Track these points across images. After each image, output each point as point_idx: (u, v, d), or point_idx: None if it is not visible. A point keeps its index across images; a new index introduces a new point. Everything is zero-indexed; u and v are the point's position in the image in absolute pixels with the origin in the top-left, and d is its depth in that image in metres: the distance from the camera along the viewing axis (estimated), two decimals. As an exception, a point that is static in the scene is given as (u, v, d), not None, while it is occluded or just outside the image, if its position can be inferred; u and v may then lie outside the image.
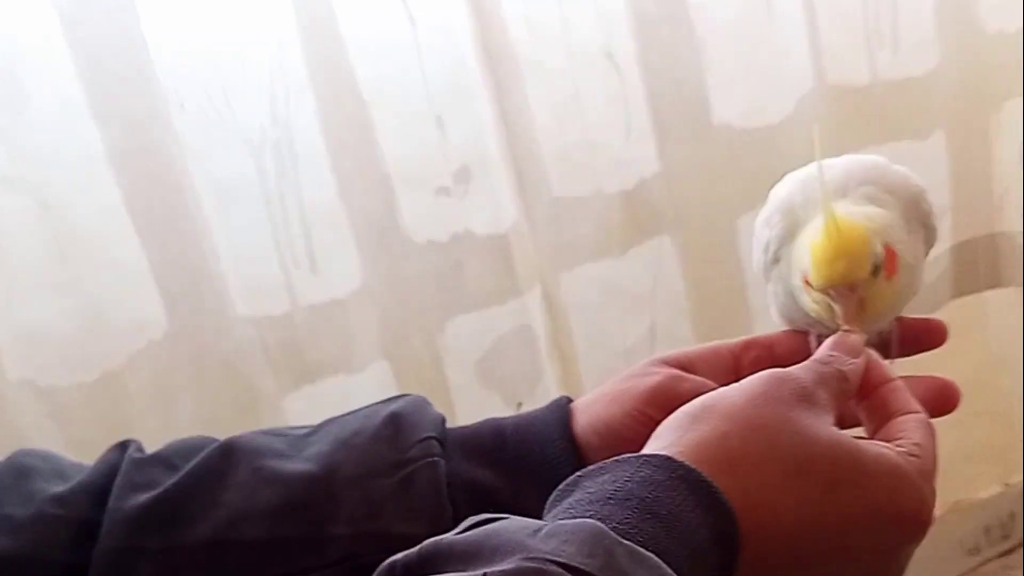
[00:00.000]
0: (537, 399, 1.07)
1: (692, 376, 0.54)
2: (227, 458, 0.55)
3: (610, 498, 0.40)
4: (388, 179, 1.01)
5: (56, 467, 0.56)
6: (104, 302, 0.90)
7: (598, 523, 0.38)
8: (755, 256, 0.56)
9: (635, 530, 0.38)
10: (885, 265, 0.50)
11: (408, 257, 1.03)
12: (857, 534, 0.43)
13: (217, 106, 0.93)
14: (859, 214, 0.51)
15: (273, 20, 0.94)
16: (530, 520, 0.39)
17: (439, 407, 0.57)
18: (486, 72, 1.03)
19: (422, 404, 0.57)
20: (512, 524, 0.39)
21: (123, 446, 0.57)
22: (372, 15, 0.98)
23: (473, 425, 0.57)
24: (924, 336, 0.56)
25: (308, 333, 1.00)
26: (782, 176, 0.57)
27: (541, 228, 1.10)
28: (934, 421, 0.52)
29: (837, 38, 1.19)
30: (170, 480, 0.54)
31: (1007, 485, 1.49)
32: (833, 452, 0.43)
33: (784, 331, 0.57)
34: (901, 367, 0.56)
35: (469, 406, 1.07)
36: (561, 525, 0.38)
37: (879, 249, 0.50)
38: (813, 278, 0.50)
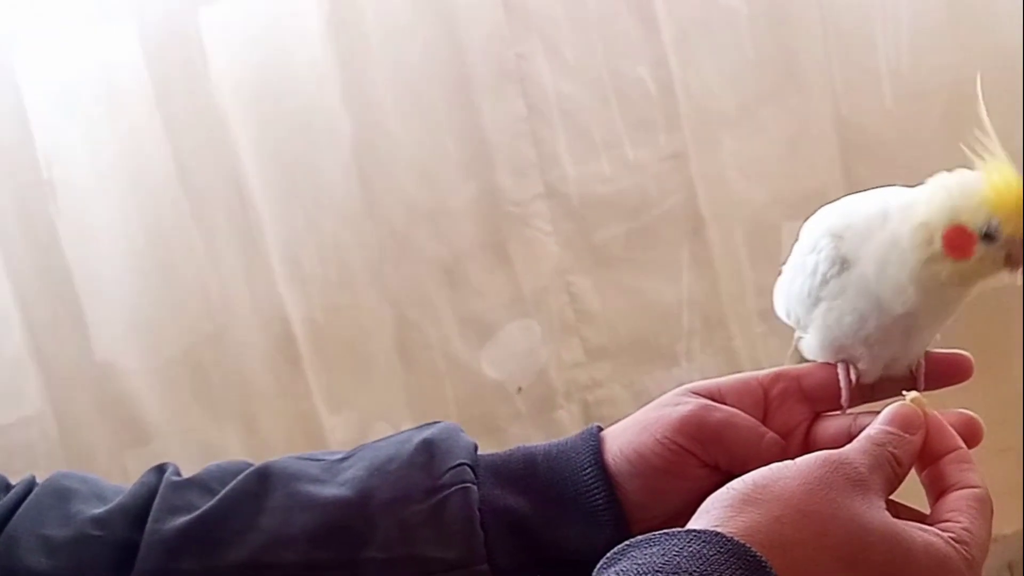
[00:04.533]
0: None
1: (722, 406, 0.55)
2: (263, 482, 0.56)
3: (658, 571, 0.40)
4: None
5: (95, 489, 0.57)
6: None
7: None
8: (797, 282, 0.57)
9: None
10: None
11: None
12: None
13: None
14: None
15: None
16: None
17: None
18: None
19: (454, 431, 0.58)
20: None
21: (160, 469, 0.58)
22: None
23: (504, 452, 0.58)
24: (951, 370, 0.56)
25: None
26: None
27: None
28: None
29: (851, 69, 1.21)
30: (207, 503, 0.55)
31: (1028, 521, 1.48)
32: (884, 542, 0.43)
33: (813, 364, 0.58)
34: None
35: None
36: None
37: None
38: (1015, 228, 0.49)
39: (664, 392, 0.57)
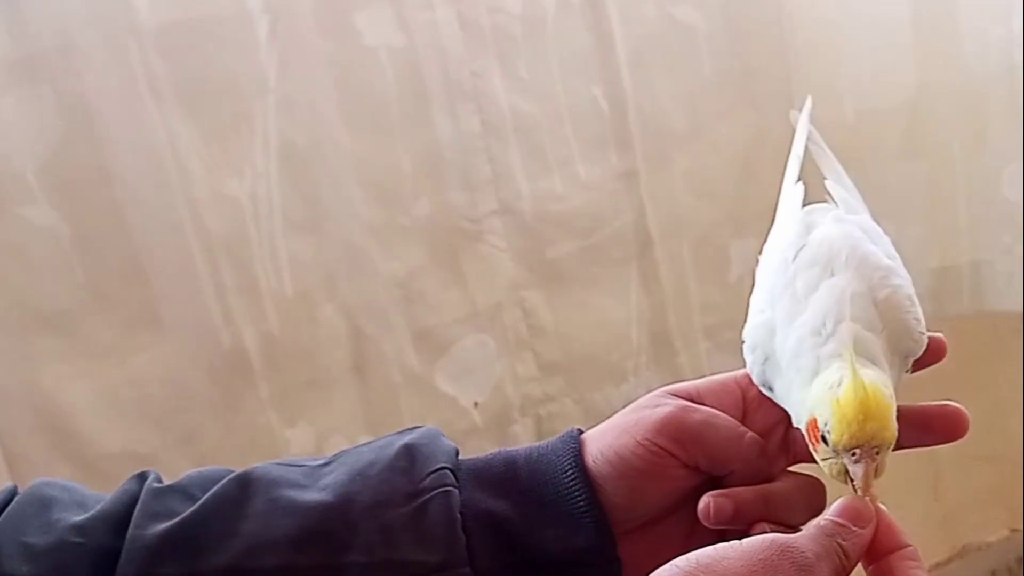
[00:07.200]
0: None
1: (702, 407, 0.55)
2: (244, 488, 0.55)
3: None
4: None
5: (76, 497, 0.57)
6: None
7: None
8: (747, 363, 0.56)
9: None
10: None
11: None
12: None
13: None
14: (875, 376, 0.49)
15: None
16: None
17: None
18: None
19: (435, 435, 0.58)
20: None
21: (142, 476, 0.58)
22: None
23: (485, 456, 0.58)
24: (926, 352, 0.55)
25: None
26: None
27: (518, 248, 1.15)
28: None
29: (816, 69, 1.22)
30: (188, 509, 0.55)
31: (1013, 530, 1.49)
32: None
33: None
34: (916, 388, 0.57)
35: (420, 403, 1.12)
36: None
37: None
38: (839, 437, 0.48)
39: (614, 408, 0.57)
